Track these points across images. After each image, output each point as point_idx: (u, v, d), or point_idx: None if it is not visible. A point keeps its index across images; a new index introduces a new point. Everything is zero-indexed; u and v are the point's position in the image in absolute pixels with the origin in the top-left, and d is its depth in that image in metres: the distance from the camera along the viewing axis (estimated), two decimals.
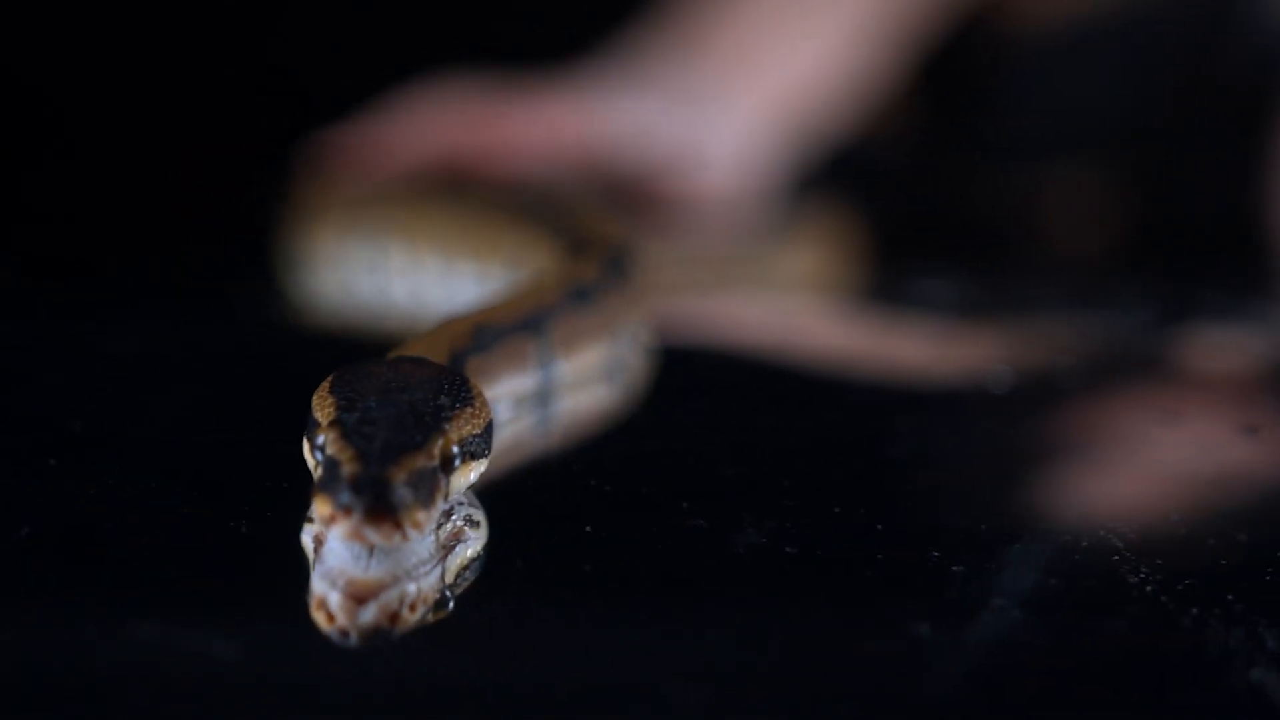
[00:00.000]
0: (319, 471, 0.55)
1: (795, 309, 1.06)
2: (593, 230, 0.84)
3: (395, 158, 1.06)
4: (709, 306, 1.01)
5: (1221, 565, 0.61)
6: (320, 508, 0.52)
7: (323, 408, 0.56)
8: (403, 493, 0.52)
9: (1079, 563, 0.60)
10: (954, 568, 0.58)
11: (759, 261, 1.12)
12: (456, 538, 0.56)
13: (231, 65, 1.30)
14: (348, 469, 0.53)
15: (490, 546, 0.57)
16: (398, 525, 0.52)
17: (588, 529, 0.61)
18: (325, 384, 0.58)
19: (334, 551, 0.53)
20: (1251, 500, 0.70)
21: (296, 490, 0.58)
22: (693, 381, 0.82)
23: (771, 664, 0.52)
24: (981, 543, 0.61)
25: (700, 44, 1.19)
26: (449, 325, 0.67)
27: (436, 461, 0.54)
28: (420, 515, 0.53)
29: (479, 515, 0.58)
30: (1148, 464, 0.73)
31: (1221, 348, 0.94)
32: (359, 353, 0.62)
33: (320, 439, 0.55)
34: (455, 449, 0.55)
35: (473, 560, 0.56)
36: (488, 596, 0.55)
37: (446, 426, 0.55)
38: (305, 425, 0.56)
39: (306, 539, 0.56)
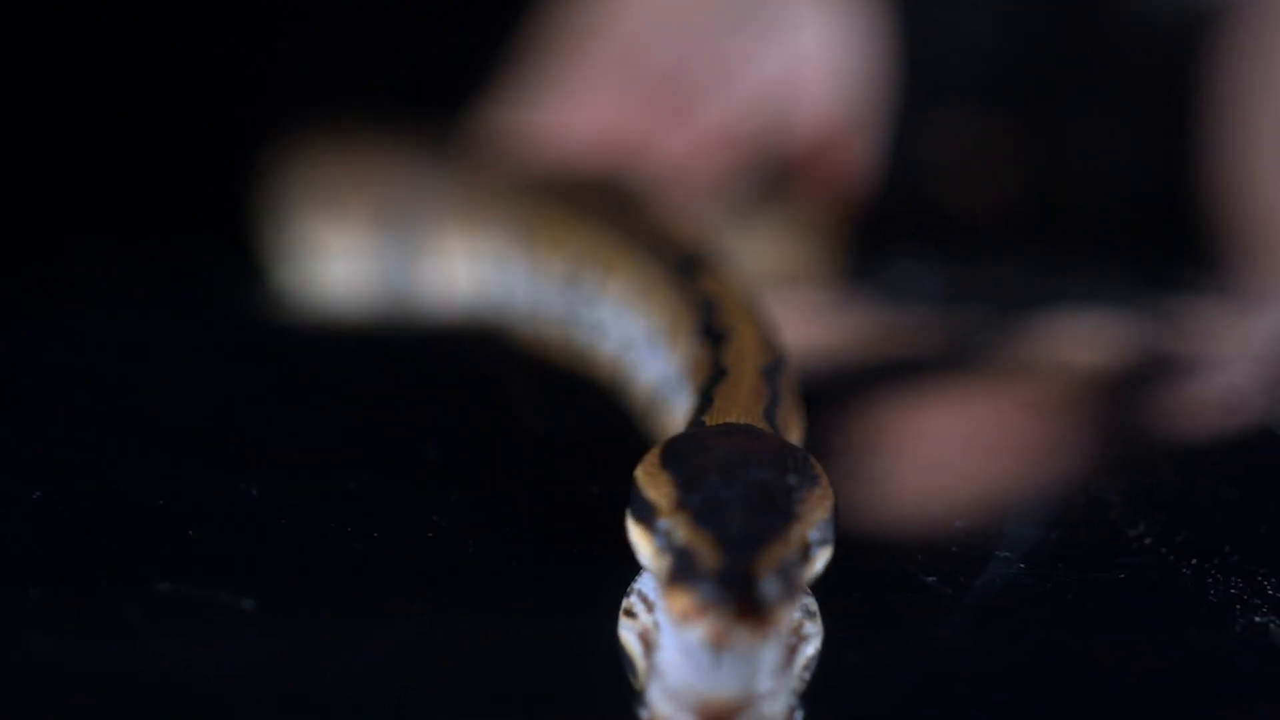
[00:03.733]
0: (664, 561, 0.48)
1: None
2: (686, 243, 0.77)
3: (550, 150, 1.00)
4: None
5: None
6: (676, 603, 0.46)
7: (657, 486, 0.50)
8: (772, 587, 0.46)
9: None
10: None
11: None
12: (798, 634, 0.50)
13: (199, 46, 1.30)
14: (709, 560, 0.46)
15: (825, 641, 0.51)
16: (768, 624, 0.45)
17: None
18: (653, 458, 0.51)
19: (672, 660, 0.47)
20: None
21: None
22: None
23: None
24: None
25: None
26: (740, 378, 0.59)
27: (797, 551, 0.48)
28: (785, 612, 0.46)
29: (813, 604, 0.51)
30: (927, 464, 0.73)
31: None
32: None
33: (664, 524, 0.48)
34: (813, 535, 0.49)
35: (813, 660, 0.50)
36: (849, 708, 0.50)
37: (801, 510, 0.49)
38: (631, 503, 0.50)
39: (629, 636, 0.50)
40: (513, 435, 0.70)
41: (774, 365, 0.60)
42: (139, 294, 0.98)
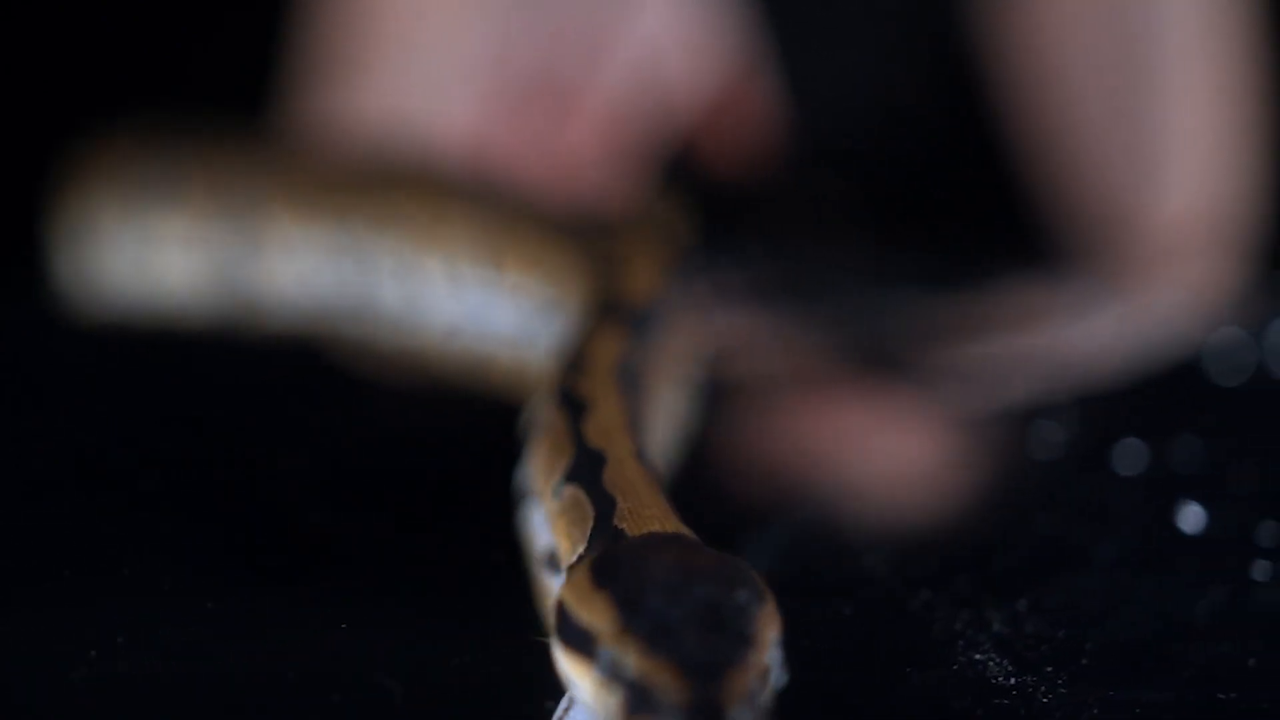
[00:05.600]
0: (613, 695, 0.43)
1: None
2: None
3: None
4: None
5: None
6: None
7: (593, 609, 0.44)
8: (743, 718, 0.42)
9: None
10: None
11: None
12: None
13: None
14: (674, 693, 0.42)
15: None
16: None
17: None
18: (582, 579, 0.46)
19: None
20: None
21: None
22: None
23: None
24: None
25: None
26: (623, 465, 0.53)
27: (759, 677, 0.43)
28: None
29: None
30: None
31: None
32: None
33: (608, 652, 0.43)
34: (770, 657, 0.44)
35: None
36: None
37: (758, 632, 0.44)
38: (560, 629, 0.45)
39: None
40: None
41: (641, 449, 0.54)
42: None
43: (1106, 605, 0.55)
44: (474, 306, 0.84)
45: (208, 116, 1.02)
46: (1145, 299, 1.09)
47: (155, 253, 0.97)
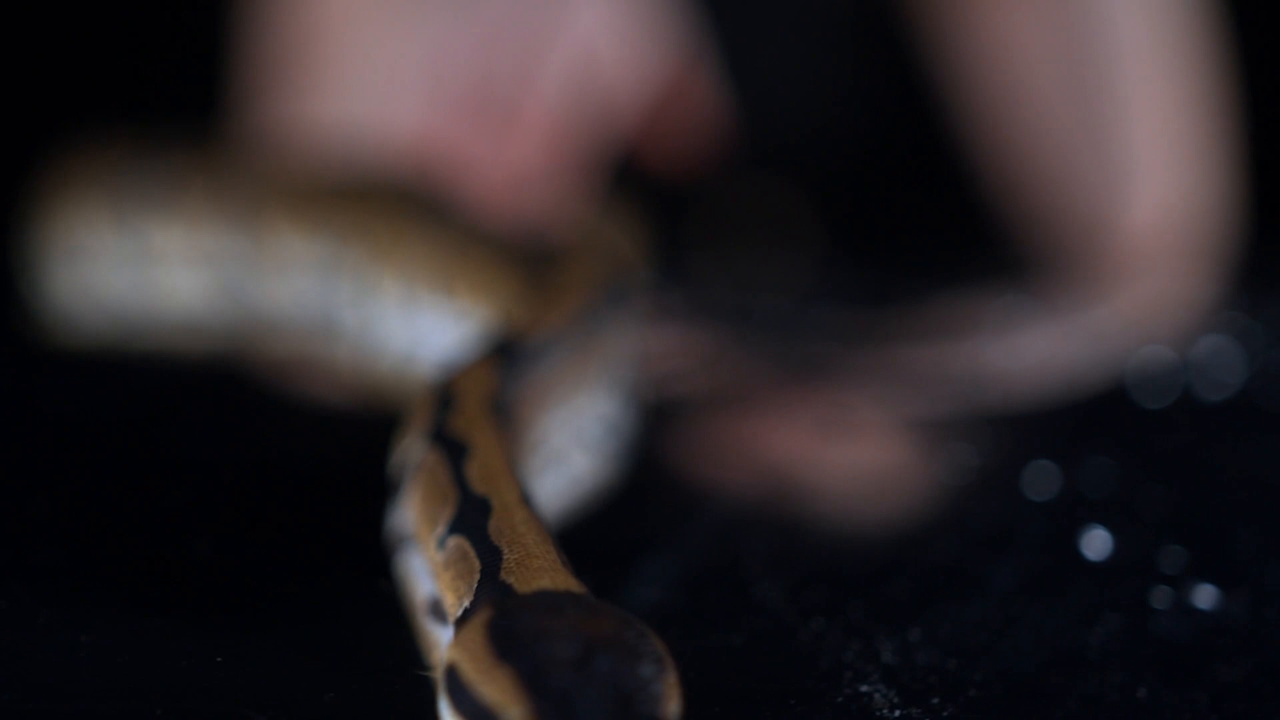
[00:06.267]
0: None
1: None
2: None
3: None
4: None
5: None
6: None
7: (496, 686, 0.43)
8: None
9: None
10: None
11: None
12: None
13: None
14: None
15: None
16: None
17: None
18: (479, 648, 0.44)
19: None
20: None
21: None
22: None
23: None
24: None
25: None
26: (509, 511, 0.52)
27: None
28: None
29: None
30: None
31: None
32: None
33: None
34: None
35: None
36: None
37: (666, 711, 0.43)
38: (454, 702, 0.44)
39: None
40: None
41: (526, 493, 0.53)
42: None
43: (999, 634, 0.54)
44: (424, 331, 0.82)
45: (162, 127, 1.01)
46: (1085, 316, 1.08)
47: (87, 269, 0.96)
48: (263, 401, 0.87)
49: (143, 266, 0.95)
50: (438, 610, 0.51)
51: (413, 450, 0.56)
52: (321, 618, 0.55)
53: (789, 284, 1.21)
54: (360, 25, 1.11)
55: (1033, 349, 0.97)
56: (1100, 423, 0.82)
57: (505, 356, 0.60)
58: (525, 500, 0.52)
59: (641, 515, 0.67)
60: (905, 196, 1.33)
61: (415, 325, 0.82)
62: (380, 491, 0.60)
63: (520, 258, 0.77)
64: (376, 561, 0.55)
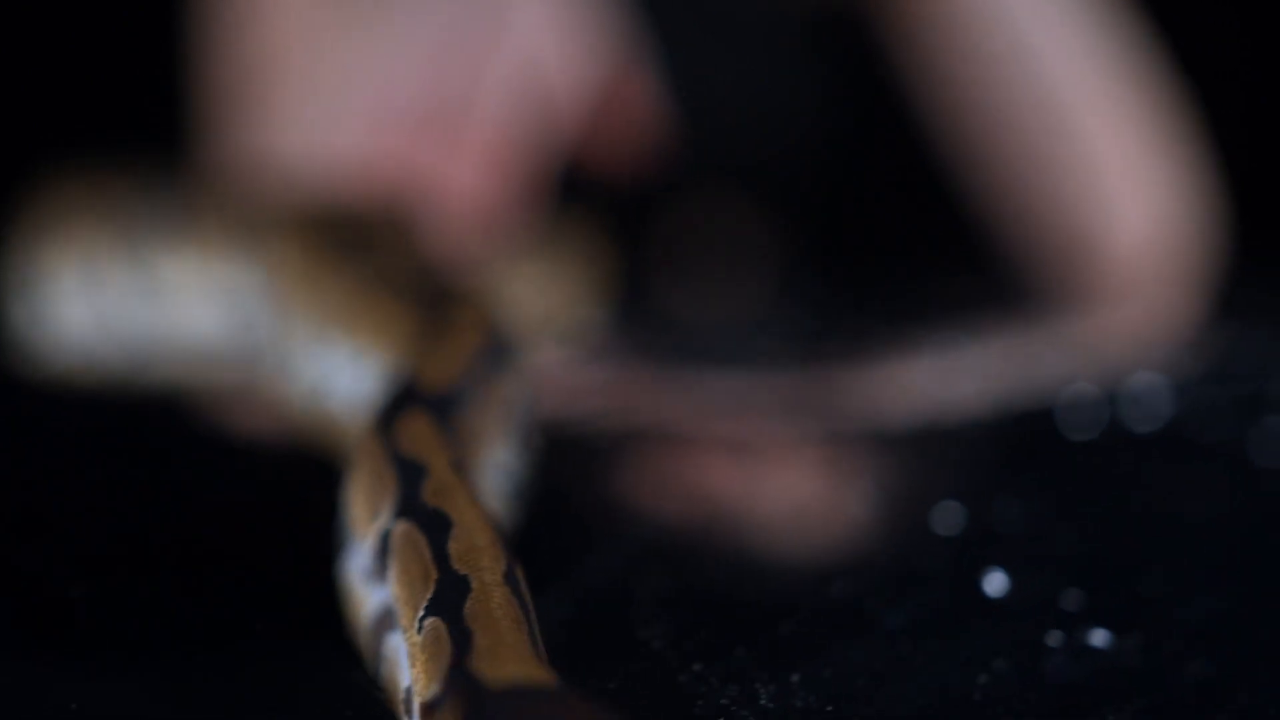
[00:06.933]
0: None
1: None
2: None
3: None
4: None
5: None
6: None
7: None
8: None
9: None
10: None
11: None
12: None
13: None
14: None
15: None
16: None
17: None
18: None
19: None
20: None
21: None
22: None
23: None
24: None
25: None
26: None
27: None
28: None
29: None
30: None
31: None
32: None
33: None
34: None
35: None
36: None
37: None
38: None
39: None
40: None
41: (510, 569, 0.50)
42: None
43: (883, 677, 0.53)
44: (329, 367, 0.81)
45: (120, 157, 1.01)
46: (1018, 344, 1.07)
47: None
48: (193, 435, 0.86)
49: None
50: (407, 699, 0.49)
51: (386, 520, 0.54)
52: (265, 658, 0.53)
53: (743, 306, 1.20)
54: (306, 50, 1.10)
55: (965, 375, 0.96)
56: (1022, 455, 0.80)
57: (430, 407, 0.58)
58: (507, 577, 0.50)
59: (536, 554, 0.66)
60: (871, 209, 1.32)
61: (321, 362, 0.80)
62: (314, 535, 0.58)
63: (419, 298, 0.75)
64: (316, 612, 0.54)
